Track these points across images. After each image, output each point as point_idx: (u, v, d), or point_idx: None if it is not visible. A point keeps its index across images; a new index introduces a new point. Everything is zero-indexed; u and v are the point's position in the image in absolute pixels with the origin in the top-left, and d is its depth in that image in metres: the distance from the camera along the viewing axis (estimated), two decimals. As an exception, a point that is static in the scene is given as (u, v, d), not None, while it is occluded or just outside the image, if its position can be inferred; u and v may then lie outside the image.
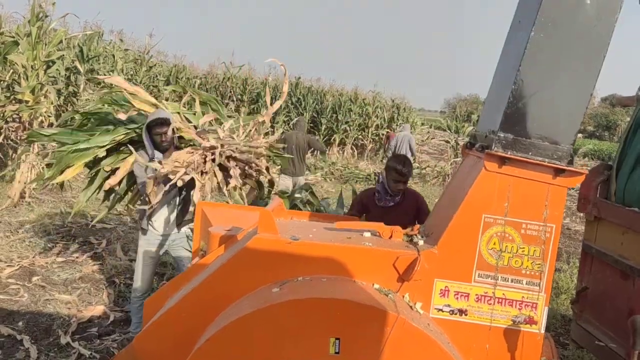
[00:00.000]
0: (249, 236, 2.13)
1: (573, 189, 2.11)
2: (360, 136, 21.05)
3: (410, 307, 2.01)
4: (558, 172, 1.99)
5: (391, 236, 2.22)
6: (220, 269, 2.03)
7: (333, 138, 20.10)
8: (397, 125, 21.70)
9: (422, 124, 28.80)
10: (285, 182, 8.48)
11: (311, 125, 19.67)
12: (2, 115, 7.68)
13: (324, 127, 19.70)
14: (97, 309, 4.89)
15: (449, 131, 19.66)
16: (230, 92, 18.55)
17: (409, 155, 14.22)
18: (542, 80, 1.99)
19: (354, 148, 21.01)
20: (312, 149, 9.85)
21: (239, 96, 18.62)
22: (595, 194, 3.01)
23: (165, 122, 3.87)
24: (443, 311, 2.06)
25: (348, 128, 20.40)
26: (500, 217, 2.02)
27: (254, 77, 19.94)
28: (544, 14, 1.94)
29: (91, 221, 7.64)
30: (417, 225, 2.27)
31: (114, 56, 13.20)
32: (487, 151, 2.01)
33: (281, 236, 2.06)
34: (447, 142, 18.60)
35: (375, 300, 1.89)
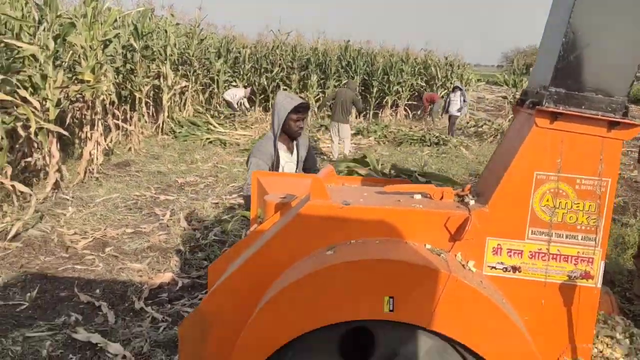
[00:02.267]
0: (302, 203, 2.20)
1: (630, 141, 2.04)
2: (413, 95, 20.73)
3: (463, 265, 2.04)
4: (612, 124, 1.94)
5: (442, 197, 2.24)
6: (276, 235, 2.12)
7: (385, 100, 19.90)
8: (451, 83, 21.19)
9: (478, 80, 27.99)
10: (332, 128, 11.79)
11: (362, 88, 19.52)
12: (66, 95, 8.06)
13: (375, 89, 19.50)
14: (166, 276, 5.19)
15: (505, 86, 18.97)
16: (280, 59, 18.59)
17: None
18: (594, 31, 1.92)
19: (407, 109, 20.73)
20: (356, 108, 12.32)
21: (289, 63, 18.64)
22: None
23: (308, 107, 3.84)
24: (496, 269, 2.07)
25: (400, 89, 20.11)
26: (554, 174, 2.00)
27: (302, 43, 19.86)
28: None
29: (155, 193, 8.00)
30: (469, 185, 2.28)
31: (166, 31, 13.48)
32: (538, 107, 1.97)
33: (333, 201, 2.12)
34: (505, 97, 18.01)
35: (427, 260, 1.93)
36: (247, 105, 16.29)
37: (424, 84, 21.38)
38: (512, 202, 2.04)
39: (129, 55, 11.66)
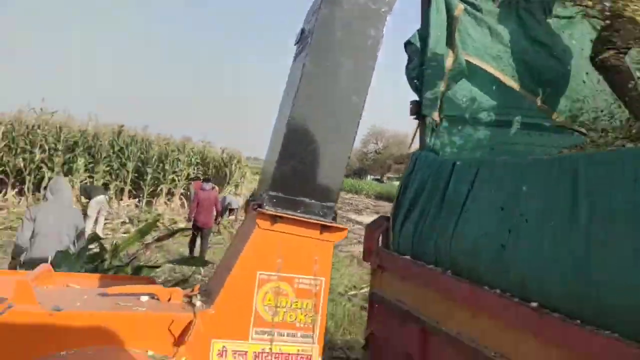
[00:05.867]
0: (3, 311, 1.91)
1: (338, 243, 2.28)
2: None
3: (186, 372, 1.96)
4: (324, 228, 2.13)
5: (170, 298, 2.16)
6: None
7: (160, 188, 19.41)
8: (225, 175, 21.75)
9: (256, 173, 29.37)
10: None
11: (135, 175, 18.80)
12: None
13: (149, 177, 18.93)
14: None
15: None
16: (42, 139, 17.00)
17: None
18: (305, 144, 2.15)
19: (183, 198, 20.50)
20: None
21: (53, 144, 17.14)
22: (377, 244, 3.28)
23: None
24: None
25: (176, 178, 19.88)
26: (275, 274, 2.09)
27: (70, 124, 18.55)
28: (303, 87, 2.12)
29: None
30: (198, 286, 2.25)
31: None
32: (259, 209, 2.08)
33: (41, 307, 1.88)
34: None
35: (144, 370, 1.81)
36: None
37: (200, 174, 21.54)
38: (236, 303, 2.06)
39: None
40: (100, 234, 11.72)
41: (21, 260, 4.58)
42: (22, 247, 4.59)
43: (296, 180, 2.13)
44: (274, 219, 2.09)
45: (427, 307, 2.77)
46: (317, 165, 2.15)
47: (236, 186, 22.32)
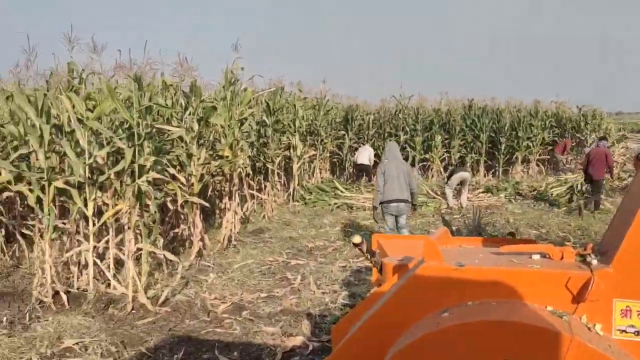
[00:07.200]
0: (417, 265, 2.28)
1: None
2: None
3: (589, 328, 1.96)
4: None
5: (562, 257, 2.19)
6: (392, 297, 2.21)
7: (515, 156, 19.18)
8: (586, 134, 19.97)
9: (620, 130, 26.25)
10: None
11: (489, 145, 19.03)
12: (208, 170, 8.93)
13: (503, 145, 18.90)
14: (298, 340, 5.36)
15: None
16: (404, 123, 18.89)
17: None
18: None
19: (540, 164, 19.77)
20: None
21: (412, 126, 18.85)
22: None
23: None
24: (627, 332, 1.96)
25: (531, 144, 19.30)
26: (682, 230, 1.89)
27: (425, 105, 20.04)
28: None
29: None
30: (591, 244, 2.21)
31: (294, 106, 14.44)
32: (657, 162, 1.91)
33: (447, 263, 2.17)
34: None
35: (548, 322, 1.90)
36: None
37: (556, 137, 20.40)
38: (638, 262, 1.95)
39: (261, 130, 12.64)
40: (463, 204, 12.50)
41: (378, 205, 7.80)
42: (379, 191, 7.61)
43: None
44: (677, 169, 1.88)
45: None
46: None
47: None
